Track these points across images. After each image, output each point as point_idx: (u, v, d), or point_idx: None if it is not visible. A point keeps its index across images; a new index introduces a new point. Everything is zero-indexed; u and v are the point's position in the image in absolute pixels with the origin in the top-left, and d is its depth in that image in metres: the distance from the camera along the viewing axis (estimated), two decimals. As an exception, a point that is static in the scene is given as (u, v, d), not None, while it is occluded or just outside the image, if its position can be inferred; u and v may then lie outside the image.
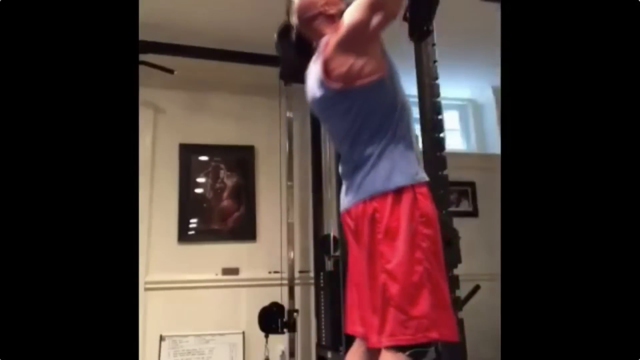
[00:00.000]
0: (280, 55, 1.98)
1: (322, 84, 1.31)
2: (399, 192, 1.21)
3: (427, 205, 1.23)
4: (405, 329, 1.12)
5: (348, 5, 1.36)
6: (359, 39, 1.25)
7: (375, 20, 1.22)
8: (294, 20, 1.45)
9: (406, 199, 1.20)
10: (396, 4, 1.27)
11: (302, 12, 1.41)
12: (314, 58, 1.40)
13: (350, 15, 1.25)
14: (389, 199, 1.20)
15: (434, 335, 1.13)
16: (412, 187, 1.22)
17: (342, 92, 1.28)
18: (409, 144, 1.29)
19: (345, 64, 1.25)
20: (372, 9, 1.21)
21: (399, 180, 1.22)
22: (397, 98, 1.31)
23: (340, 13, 1.37)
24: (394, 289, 1.15)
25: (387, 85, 1.29)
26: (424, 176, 1.28)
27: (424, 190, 1.26)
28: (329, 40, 1.30)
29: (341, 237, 2.41)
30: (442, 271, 1.22)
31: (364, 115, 1.27)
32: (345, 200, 1.35)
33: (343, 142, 1.35)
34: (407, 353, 1.13)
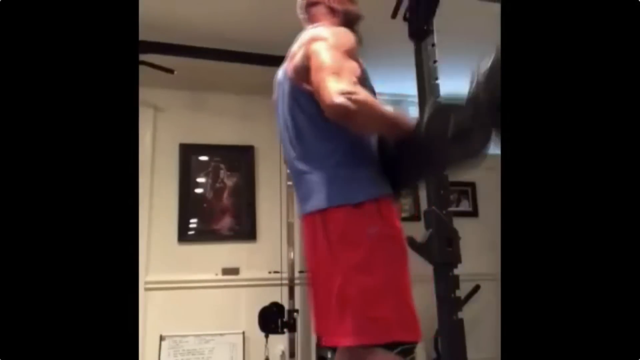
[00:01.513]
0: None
1: (287, 76, 1.30)
2: (358, 205, 1.18)
3: (390, 212, 1.21)
4: (368, 329, 1.12)
5: (355, 12, 1.35)
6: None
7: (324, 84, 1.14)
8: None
9: (368, 209, 1.18)
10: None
11: None
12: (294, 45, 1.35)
13: (325, 56, 1.17)
14: (347, 210, 1.18)
15: (395, 337, 1.13)
16: (376, 200, 1.20)
17: (300, 89, 1.26)
18: (369, 156, 1.25)
19: (300, 65, 1.23)
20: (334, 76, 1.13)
21: (359, 195, 1.18)
22: None
23: (345, 13, 1.35)
24: (354, 290, 1.15)
25: None
26: (385, 191, 1.24)
27: (387, 201, 1.23)
28: (309, 38, 1.25)
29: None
30: (405, 273, 1.21)
31: (315, 117, 1.23)
32: (300, 205, 1.31)
33: (289, 141, 1.33)
34: (395, 351, 1.13)
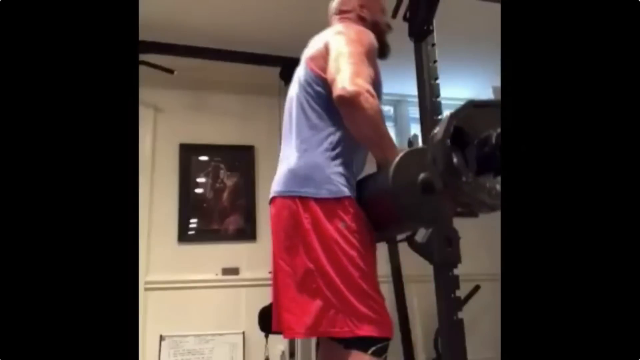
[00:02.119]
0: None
1: (304, 62, 1.33)
2: (338, 200, 1.20)
3: (354, 210, 1.22)
4: (336, 322, 1.13)
5: (384, 23, 1.36)
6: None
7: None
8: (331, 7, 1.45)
9: (343, 204, 1.20)
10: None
11: (338, 3, 1.45)
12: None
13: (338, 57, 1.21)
14: (316, 203, 1.20)
15: (364, 331, 1.14)
16: (347, 198, 1.22)
17: (314, 72, 1.29)
18: (349, 157, 1.27)
19: (319, 54, 1.28)
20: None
21: (335, 191, 1.21)
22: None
23: (374, 24, 1.37)
24: (323, 281, 1.16)
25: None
26: (353, 193, 1.26)
27: (352, 201, 1.24)
28: (333, 32, 1.30)
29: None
30: (373, 270, 1.22)
31: (318, 101, 1.27)
32: (274, 186, 1.34)
33: (289, 129, 1.38)
34: (370, 351, 1.13)
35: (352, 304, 1.15)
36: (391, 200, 1.12)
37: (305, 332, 1.20)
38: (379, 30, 1.38)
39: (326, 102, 1.24)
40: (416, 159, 1.12)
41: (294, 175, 1.26)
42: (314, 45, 1.33)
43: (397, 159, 1.13)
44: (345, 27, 1.28)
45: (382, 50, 1.36)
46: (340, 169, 1.24)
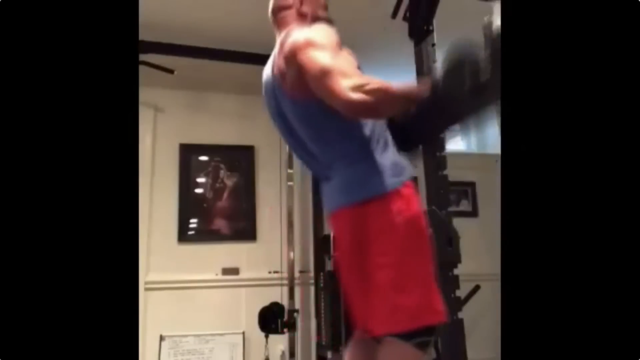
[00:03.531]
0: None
1: (279, 89, 1.25)
2: (384, 196, 1.20)
3: (411, 197, 1.22)
4: (398, 317, 1.13)
5: (324, 18, 1.33)
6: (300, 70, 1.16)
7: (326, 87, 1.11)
8: (270, 6, 1.40)
9: (390, 199, 1.20)
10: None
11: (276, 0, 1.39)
12: (274, 51, 1.33)
13: (321, 54, 1.14)
14: (374, 203, 1.19)
15: (426, 321, 1.14)
16: (397, 189, 1.21)
17: (294, 101, 1.24)
18: (384, 145, 1.26)
19: (295, 79, 1.19)
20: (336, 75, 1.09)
21: (380, 188, 1.20)
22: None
23: (315, 18, 1.33)
24: (384, 279, 1.16)
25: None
26: (406, 176, 1.25)
27: (409, 186, 1.24)
28: (284, 40, 1.23)
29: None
30: (429, 256, 1.22)
31: (325, 123, 1.23)
32: (328, 202, 1.33)
33: (304, 149, 1.32)
34: (413, 342, 1.13)
35: None
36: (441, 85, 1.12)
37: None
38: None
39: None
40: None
41: None
42: (281, 69, 1.24)
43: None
44: (301, 36, 1.20)
45: None
46: None
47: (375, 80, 1.09)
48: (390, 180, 1.21)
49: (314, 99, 1.16)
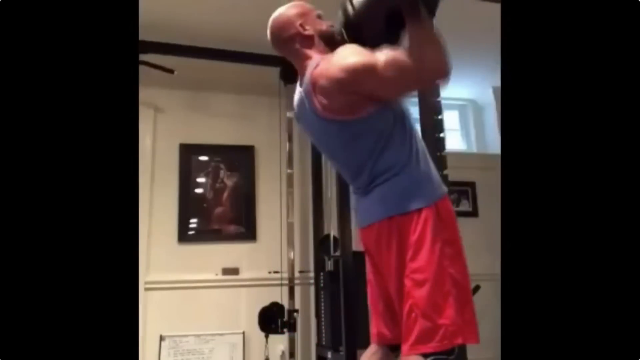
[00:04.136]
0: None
1: (317, 115, 1.26)
2: (420, 210, 1.20)
3: (449, 214, 1.24)
4: (432, 336, 1.13)
5: (331, 27, 1.31)
6: (357, 86, 1.18)
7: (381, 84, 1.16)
8: (270, 39, 1.36)
9: (429, 214, 1.20)
10: (409, 85, 1.21)
11: (277, 32, 1.33)
12: (299, 85, 1.33)
13: (359, 56, 1.17)
14: (412, 217, 1.20)
15: (458, 341, 1.14)
16: (435, 204, 1.22)
17: (339, 123, 1.25)
18: (424, 158, 1.28)
19: (338, 99, 1.20)
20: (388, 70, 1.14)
21: (419, 202, 1.20)
22: (399, 118, 1.27)
23: (321, 34, 1.32)
24: (420, 296, 1.15)
25: (386, 112, 1.25)
26: (443, 190, 1.27)
27: (445, 200, 1.25)
28: (319, 69, 1.23)
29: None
30: (466, 273, 1.23)
31: (370, 139, 1.24)
32: (362, 218, 1.34)
33: (349, 165, 1.33)
34: (430, 359, 1.13)
35: None
36: None
37: None
38: (327, 36, 1.33)
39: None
40: None
41: None
42: (322, 104, 1.24)
43: None
44: (332, 65, 1.20)
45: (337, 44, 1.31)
46: None
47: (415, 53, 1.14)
48: (431, 194, 1.23)
49: (360, 117, 1.21)
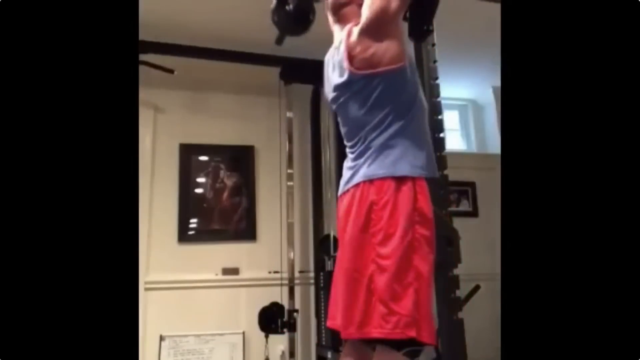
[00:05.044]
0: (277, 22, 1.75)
1: (345, 70, 1.32)
2: (400, 181, 1.22)
3: (424, 203, 1.24)
4: (385, 323, 1.13)
5: None
6: (381, 25, 1.28)
7: (394, 4, 1.26)
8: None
9: (406, 190, 1.21)
10: None
11: None
12: (334, 46, 1.43)
13: (371, 3, 1.28)
14: (390, 186, 1.21)
15: (412, 333, 1.13)
16: (413, 179, 1.23)
17: (364, 78, 1.30)
18: (423, 135, 1.32)
19: (368, 50, 1.28)
20: None
21: (402, 169, 1.23)
22: (416, 90, 1.33)
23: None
24: (381, 281, 1.16)
25: (408, 75, 1.31)
26: (428, 172, 1.29)
27: (423, 185, 1.27)
28: (351, 28, 1.33)
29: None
30: (431, 274, 1.22)
31: (383, 101, 1.29)
32: (346, 183, 1.36)
33: (357, 128, 1.35)
34: (403, 351, 1.13)
35: None
36: None
37: None
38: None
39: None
40: None
41: None
42: (334, 62, 1.39)
43: None
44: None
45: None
46: None
47: None
48: (419, 167, 1.26)
49: (377, 72, 1.27)
